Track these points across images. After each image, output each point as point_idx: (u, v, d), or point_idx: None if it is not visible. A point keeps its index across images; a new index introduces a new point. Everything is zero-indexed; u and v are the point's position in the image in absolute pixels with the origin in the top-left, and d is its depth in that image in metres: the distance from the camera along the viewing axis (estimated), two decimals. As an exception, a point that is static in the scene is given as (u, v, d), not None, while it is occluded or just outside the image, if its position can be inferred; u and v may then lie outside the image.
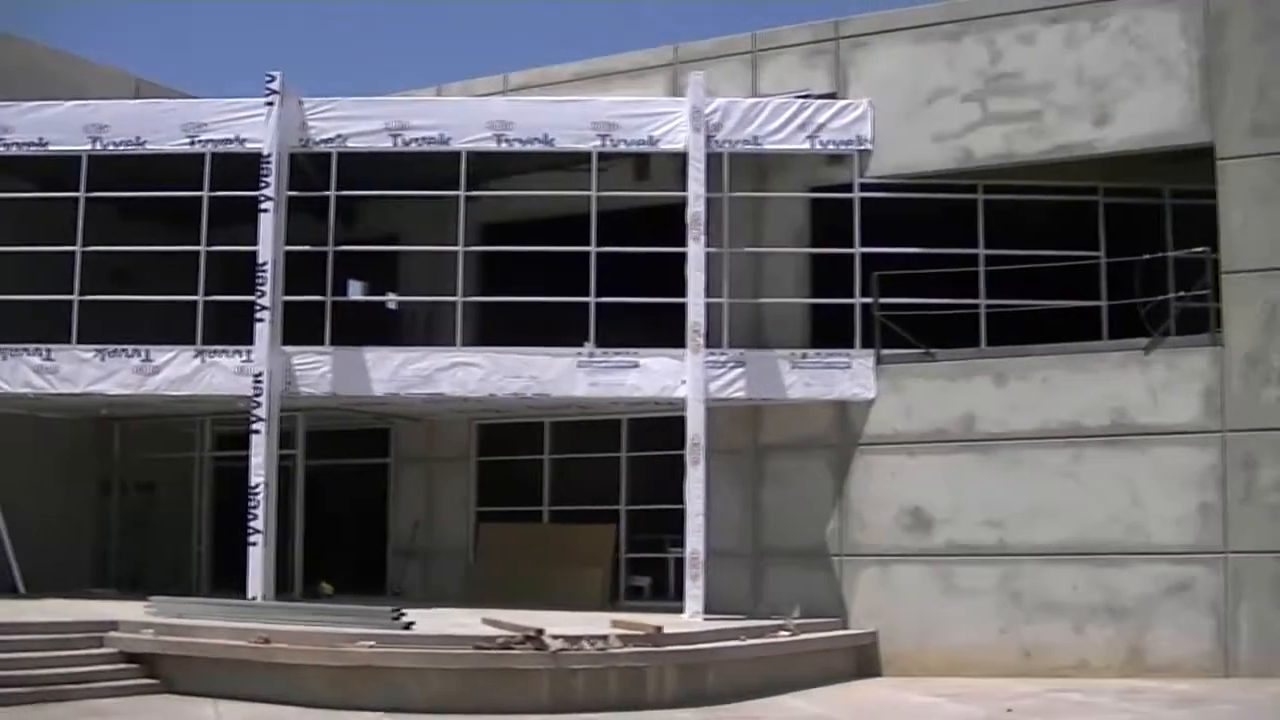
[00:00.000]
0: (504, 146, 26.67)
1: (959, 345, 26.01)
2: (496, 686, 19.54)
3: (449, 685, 19.50)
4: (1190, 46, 25.03)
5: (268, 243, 25.87)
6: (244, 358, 26.07)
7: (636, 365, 25.85)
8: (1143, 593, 24.37)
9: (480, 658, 19.76)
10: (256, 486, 25.50)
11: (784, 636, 23.69)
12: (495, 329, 27.20)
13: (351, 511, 31.52)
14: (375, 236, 29.64)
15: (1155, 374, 24.67)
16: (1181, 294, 24.83)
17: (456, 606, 25.70)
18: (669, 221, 25.73)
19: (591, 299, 25.87)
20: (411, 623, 21.37)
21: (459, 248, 26.68)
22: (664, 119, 26.51)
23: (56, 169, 27.25)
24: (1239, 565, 23.91)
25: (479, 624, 21.78)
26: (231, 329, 26.57)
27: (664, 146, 26.57)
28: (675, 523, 25.55)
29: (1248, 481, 23.96)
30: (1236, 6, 24.89)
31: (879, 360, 26.10)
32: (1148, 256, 25.20)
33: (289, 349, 26.19)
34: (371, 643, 20.07)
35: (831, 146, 26.64)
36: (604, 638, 20.66)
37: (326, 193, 26.76)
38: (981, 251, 26.23)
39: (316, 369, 26.25)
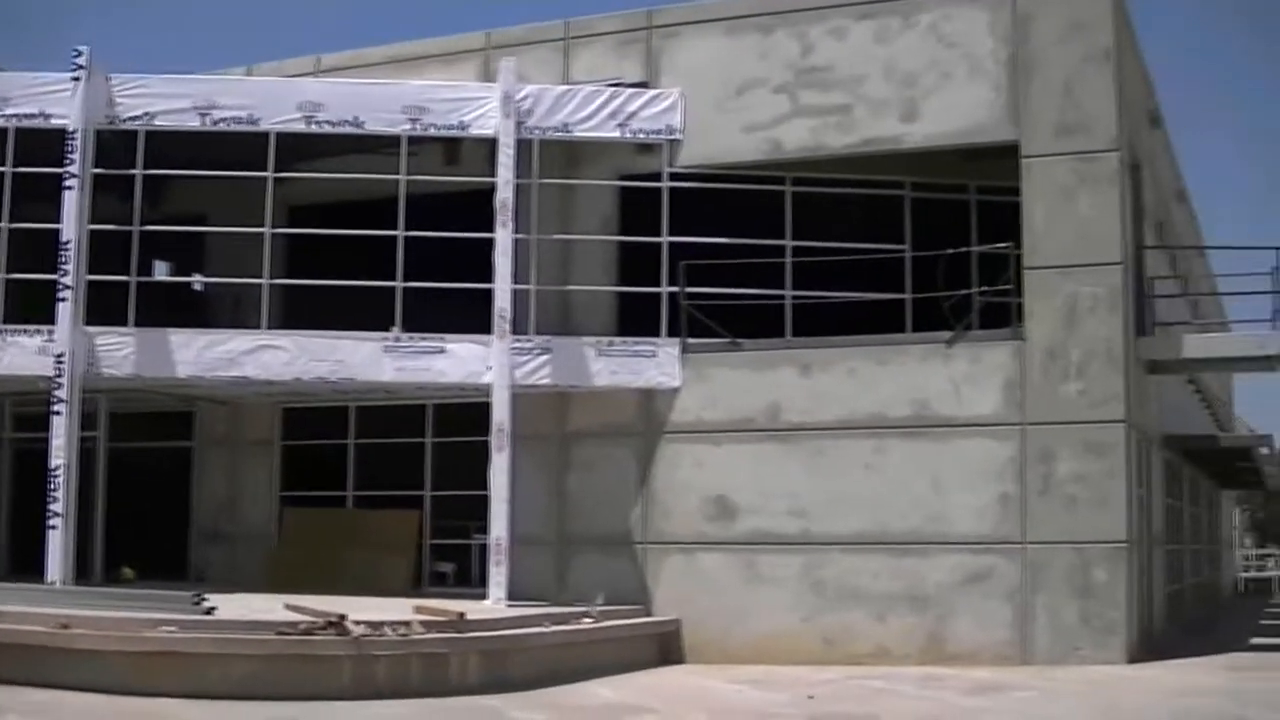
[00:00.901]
0: (314, 128, 26.43)
1: (765, 335, 26.21)
2: (299, 672, 19.37)
3: (251, 670, 19.26)
4: (998, 45, 25.44)
5: (71, 221, 25.39)
6: (45, 337, 25.57)
7: (443, 350, 25.77)
8: (943, 582, 24.76)
9: (283, 643, 19.58)
10: (57, 469, 25.07)
11: (587, 623, 23.72)
12: (302, 312, 26.88)
13: (154, 495, 31.01)
14: (182, 216, 29.19)
15: (958, 367, 25.05)
16: (984, 288, 25.22)
17: (260, 592, 25.41)
18: (478, 207, 25.63)
19: (399, 283, 25.71)
20: (213, 608, 21.13)
21: (266, 229, 26.40)
22: (475, 104, 26.42)
23: None
24: (1036, 555, 24.37)
25: (282, 609, 21.56)
26: (33, 308, 26.08)
27: (474, 132, 26.48)
28: (480, 509, 25.45)
29: (1046, 473, 24.43)
30: (1043, 7, 25.33)
31: (685, 349, 26.23)
32: (952, 251, 25.55)
33: (91, 329, 25.75)
34: (173, 628, 19.80)
35: (642, 135, 26.73)
36: (407, 624, 20.60)
37: (133, 171, 26.29)
38: (789, 243, 26.47)
39: (119, 350, 25.83)
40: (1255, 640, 31.22)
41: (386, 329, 25.86)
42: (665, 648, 25.41)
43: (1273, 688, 21.15)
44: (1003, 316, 25.08)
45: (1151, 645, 26.54)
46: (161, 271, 31.32)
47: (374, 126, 26.50)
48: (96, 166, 25.99)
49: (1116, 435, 24.42)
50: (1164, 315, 29.46)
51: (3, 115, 26.39)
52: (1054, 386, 24.57)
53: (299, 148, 27.12)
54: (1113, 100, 25.03)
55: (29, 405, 28.94)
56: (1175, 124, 36.83)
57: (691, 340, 26.20)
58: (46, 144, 25.83)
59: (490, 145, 26.21)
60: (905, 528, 24.98)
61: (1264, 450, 38.41)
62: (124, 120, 26.37)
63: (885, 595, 25.00)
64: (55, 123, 26.05)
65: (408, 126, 26.41)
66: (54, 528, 24.88)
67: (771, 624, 25.32)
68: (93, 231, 25.83)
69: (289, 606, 21.69)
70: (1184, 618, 35.21)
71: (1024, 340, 24.78)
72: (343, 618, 20.01)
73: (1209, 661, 25.13)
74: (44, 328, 25.62)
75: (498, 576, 24.84)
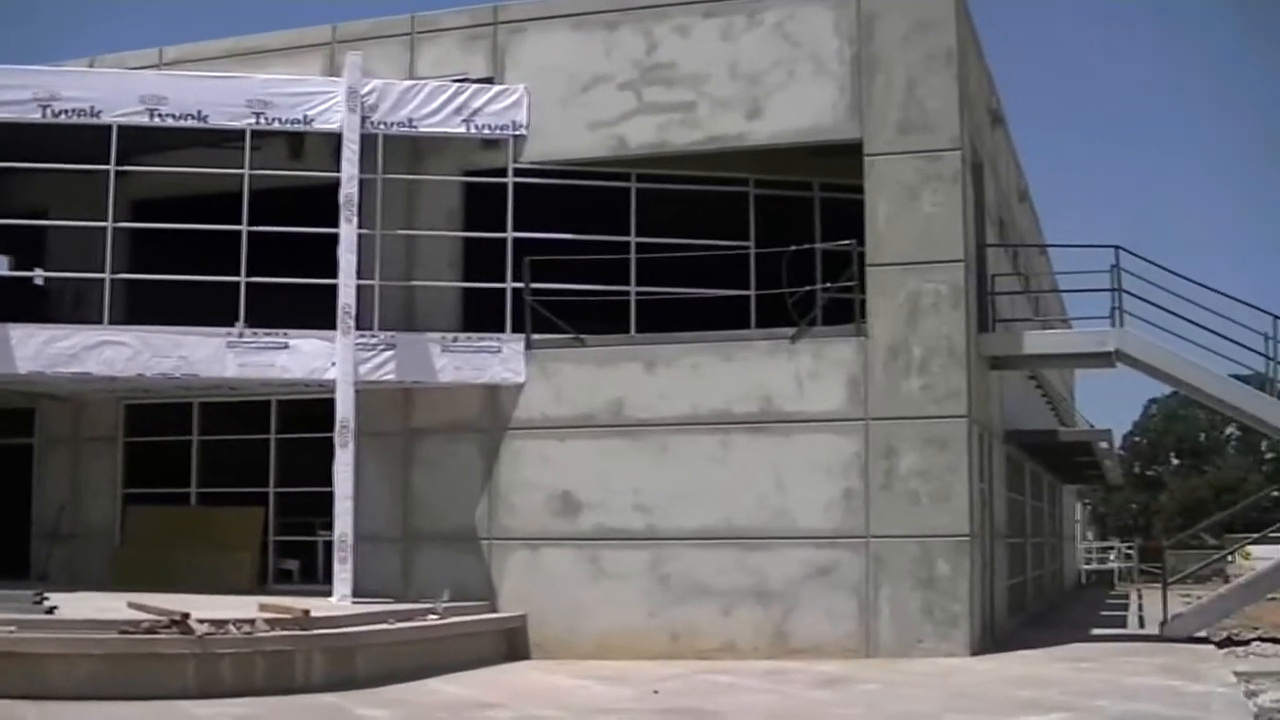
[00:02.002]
0: (156, 121, 26.13)
1: (610, 332, 26.27)
2: (142, 671, 19.08)
3: (94, 670, 18.95)
4: (842, 44, 25.65)
5: (-92, 214, 25.01)
6: (-120, 332, 25.15)
7: (287, 346, 25.59)
8: (789, 576, 24.91)
9: (125, 642, 19.32)
10: (-108, 466, 24.70)
11: (433, 620, 23.66)
12: (145, 307, 26.59)
13: (-7, 493, 30.66)
14: (23, 210, 28.74)
15: (802, 363, 25.21)
16: (828, 285, 25.39)
17: (103, 591, 25.12)
18: (323, 202, 25.48)
19: (242, 278, 25.51)
20: (54, 607, 20.86)
21: (109, 223, 26.07)
22: (319, 98, 26.26)
23: None
24: (880, 549, 24.60)
25: (124, 608, 21.29)
26: None
27: (319, 126, 26.32)
28: (325, 506, 25.31)
29: (888, 468, 24.67)
30: (887, 7, 25.59)
31: (530, 345, 26.22)
32: (795, 248, 25.68)
33: (-71, 325, 25.36)
34: (12, 628, 19.46)
35: (487, 131, 26.69)
36: (251, 621, 20.43)
37: (-29, 164, 25.93)
38: (633, 239, 26.54)
39: (-43, 345, 25.45)
40: (1096, 631, 31.63)
41: (231, 325, 25.63)
42: (511, 644, 25.39)
43: (1111, 677, 21.43)
44: (846, 313, 25.27)
45: (994, 637, 26.89)
46: (1, 266, 30.88)
47: (218, 120, 26.25)
48: (-67, 159, 25.52)
49: (958, 430, 24.69)
50: (1006, 312, 29.81)
51: None
52: (896, 382, 24.81)
53: (142, 141, 26.89)
54: (955, 99, 25.33)
55: None
56: (1017, 123, 37.21)
57: (536, 336, 26.19)
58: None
59: (335, 140, 26.04)
60: (750, 523, 25.11)
61: (1104, 445, 38.89)
62: (-38, 112, 25.95)
63: (731, 590, 25.11)
64: (-108, 114, 25.59)
65: (252, 120, 26.19)
66: (-111, 527, 24.48)
67: (617, 620, 25.37)
68: (-70, 226, 25.41)
69: (132, 605, 21.43)
70: (1027, 610, 35.65)
71: (867, 337, 24.99)
72: (186, 616, 19.80)
73: (1050, 652, 25.49)
74: (-122, 322, 25.14)
75: (343, 574, 24.70)
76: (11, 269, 31.70)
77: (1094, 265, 28.50)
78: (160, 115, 26.10)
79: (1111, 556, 79.84)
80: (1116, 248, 27.21)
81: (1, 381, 26.67)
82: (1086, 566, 73.28)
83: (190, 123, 26.22)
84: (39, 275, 31.77)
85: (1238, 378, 28.03)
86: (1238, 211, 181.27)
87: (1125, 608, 42.61)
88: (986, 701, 18.84)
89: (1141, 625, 34.23)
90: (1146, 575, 66.47)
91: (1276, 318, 26.93)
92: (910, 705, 18.91)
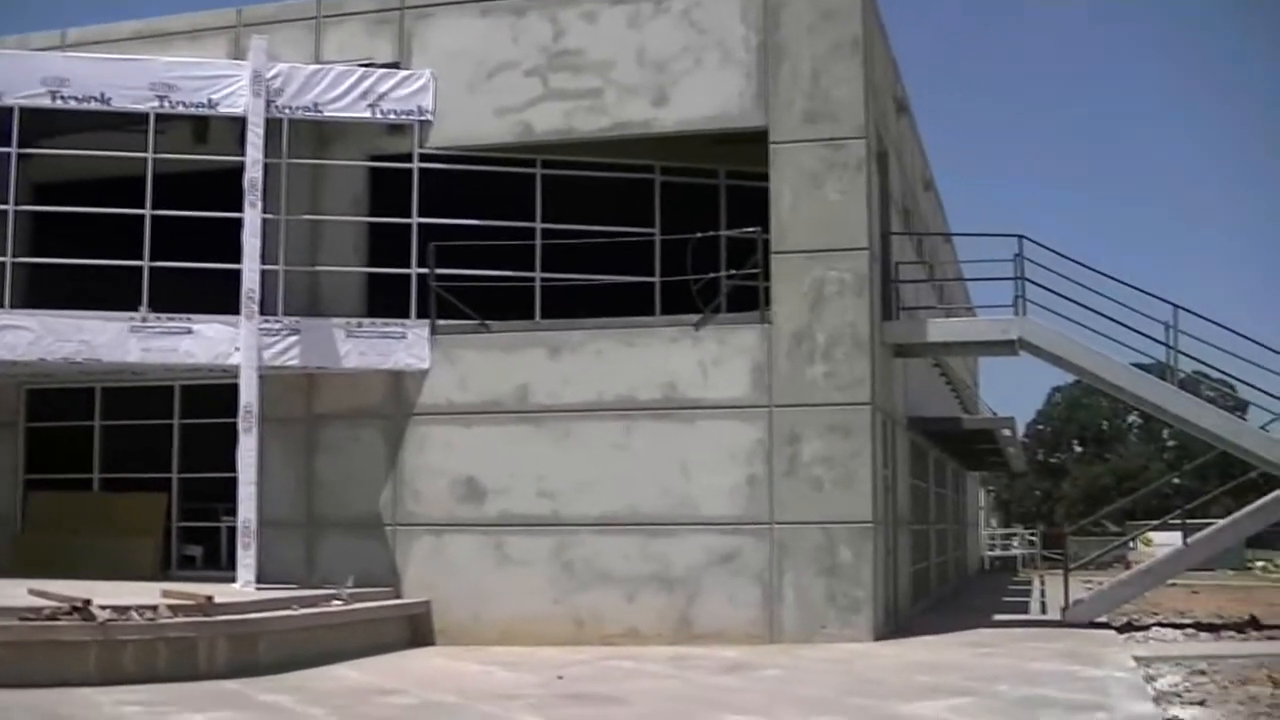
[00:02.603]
0: (59, 103, 25.93)
1: (515, 318, 26.26)
2: (44, 658, 18.93)
3: (-7, 658, 18.95)
4: (749, 32, 25.71)
5: None
6: None
7: (190, 331, 25.43)
8: (692, 563, 25.00)
9: (26, 629, 19.17)
10: None
11: (337, 606, 23.60)
12: (47, 291, 26.35)
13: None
14: (-78, 193, 28.51)
15: (706, 349, 25.28)
16: (732, 272, 25.50)
17: (3, 577, 24.86)
18: (227, 186, 25.32)
19: (146, 263, 25.35)
20: (-47, 594, 20.77)
21: (10, 206, 25.88)
22: (224, 82, 26.10)
23: None
24: (783, 536, 24.71)
25: (26, 595, 21.16)
26: None
27: (223, 110, 26.16)
28: (229, 491, 25.16)
29: (792, 455, 24.77)
30: (793, -5, 25.64)
31: (434, 331, 26.17)
32: (700, 235, 25.77)
33: None
34: (-91, 614, 19.43)
35: (393, 116, 26.62)
36: (154, 608, 20.31)
37: None
38: (539, 225, 26.56)
39: None
40: (998, 616, 31.88)
41: (134, 309, 25.45)
42: (416, 630, 25.36)
43: (1012, 662, 21.61)
44: (751, 300, 25.35)
45: (898, 623, 27.10)
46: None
47: (121, 103, 26.06)
48: None
49: (862, 417, 24.81)
50: (910, 300, 29.99)
51: None
52: (800, 369, 24.91)
53: (45, 123, 26.62)
54: (860, 88, 25.43)
55: None
56: (922, 113, 37.43)
57: (441, 322, 26.16)
58: None
59: (240, 124, 25.89)
60: (654, 509, 25.18)
61: (1006, 432, 39.23)
62: None
63: (636, 576, 25.19)
64: None
65: (155, 104, 26.01)
66: None
67: (522, 606, 25.38)
68: None
69: (33, 591, 21.29)
70: (930, 595, 35.90)
71: (771, 324, 25.09)
72: (88, 602, 19.69)
73: (953, 638, 25.69)
74: None
75: (246, 560, 24.60)
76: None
77: (998, 254, 28.78)
78: (63, 97, 25.90)
79: (1015, 543, 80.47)
80: (1020, 236, 27.48)
81: (-100, 366, 26.44)
82: (990, 553, 73.80)
83: (93, 105, 26.03)
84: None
85: (1139, 366, 28.38)
86: (1143, 200, 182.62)
87: (1028, 594, 43.03)
88: (888, 687, 18.94)
89: (1043, 611, 34.57)
90: (1049, 561, 67.11)
91: (1177, 307, 27.25)
92: (813, 690, 18.99)
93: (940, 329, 29.09)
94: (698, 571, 24.99)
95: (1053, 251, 27.21)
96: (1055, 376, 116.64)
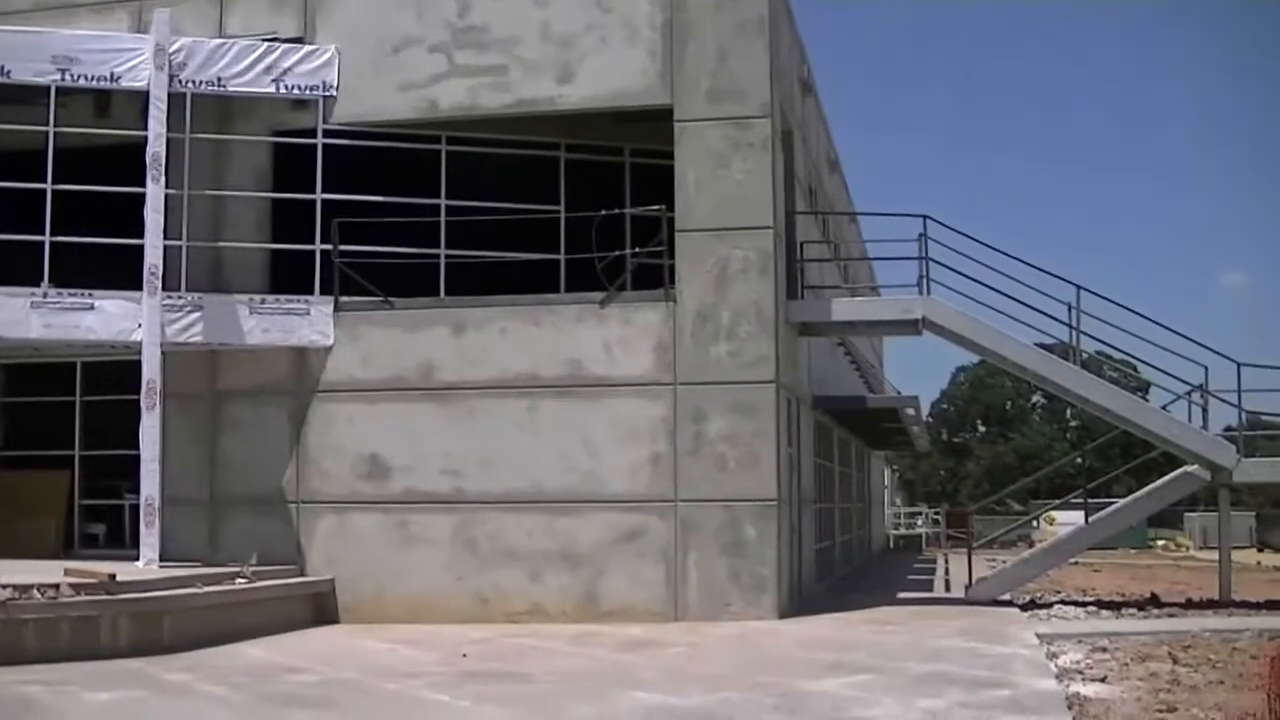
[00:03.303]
0: (-44, 76, 25.67)
1: (419, 295, 26.18)
2: (-58, 638, 18.91)
3: (-108, 637, 18.78)
4: (654, 11, 25.69)
5: None
6: None
7: (92, 307, 25.22)
8: (597, 540, 25.03)
9: (-75, 609, 19.12)
10: None
11: (240, 584, 23.50)
12: (-54, 267, 26.17)
13: None
14: None
15: (610, 328, 25.29)
16: (637, 250, 25.51)
17: (-98, 557, 24.70)
18: (129, 161, 25.10)
19: (46, 238, 25.07)
20: None
21: (-93, 180, 25.59)
22: (127, 55, 25.86)
23: None
24: (688, 514, 24.78)
25: (-76, 574, 21.06)
26: None
27: (126, 84, 25.92)
28: (132, 469, 24.95)
29: (696, 433, 24.81)
30: (699, -26, 25.62)
31: (338, 307, 26.08)
32: (605, 213, 25.76)
33: None
34: None
35: (296, 91, 26.46)
36: (56, 586, 20.20)
37: None
38: (443, 202, 26.48)
39: None
40: (903, 595, 32.05)
41: (35, 285, 25.20)
42: (320, 608, 25.31)
43: (916, 640, 21.74)
44: (655, 279, 25.38)
45: (802, 601, 27.20)
46: None
47: (21, 76, 25.75)
48: None
49: (766, 396, 24.89)
50: (815, 280, 30.11)
51: None
52: (705, 348, 24.95)
53: (-56, 96, 26.31)
54: (765, 68, 25.46)
55: None
56: (827, 94, 37.50)
57: (345, 299, 26.06)
58: None
59: (142, 98, 25.66)
60: (559, 487, 25.18)
61: (911, 412, 39.47)
62: None
63: (540, 554, 25.18)
64: None
65: (56, 77, 25.74)
66: None
67: (426, 583, 25.35)
68: None
69: (-69, 570, 21.16)
70: (835, 574, 36.09)
71: (675, 302, 25.10)
72: (-11, 581, 19.60)
73: (857, 616, 25.77)
74: None
75: (149, 538, 24.42)
76: None
77: (902, 234, 28.91)
78: (-38, 70, 25.60)
79: (919, 522, 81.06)
80: (924, 217, 27.61)
81: None
82: (895, 532, 74.26)
83: (-8, 77, 25.75)
84: None
85: (1043, 346, 28.49)
86: (1044, 182, 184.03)
87: (932, 572, 43.26)
88: (792, 664, 19.02)
89: (948, 589, 34.75)
90: (953, 540, 67.49)
91: (1080, 288, 27.42)
92: (716, 668, 19.04)
93: (844, 308, 29.18)
94: (602, 549, 25.01)
95: (957, 232, 27.35)
96: (960, 356, 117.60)
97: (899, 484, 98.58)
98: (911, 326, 27.69)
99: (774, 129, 25.62)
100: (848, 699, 15.80)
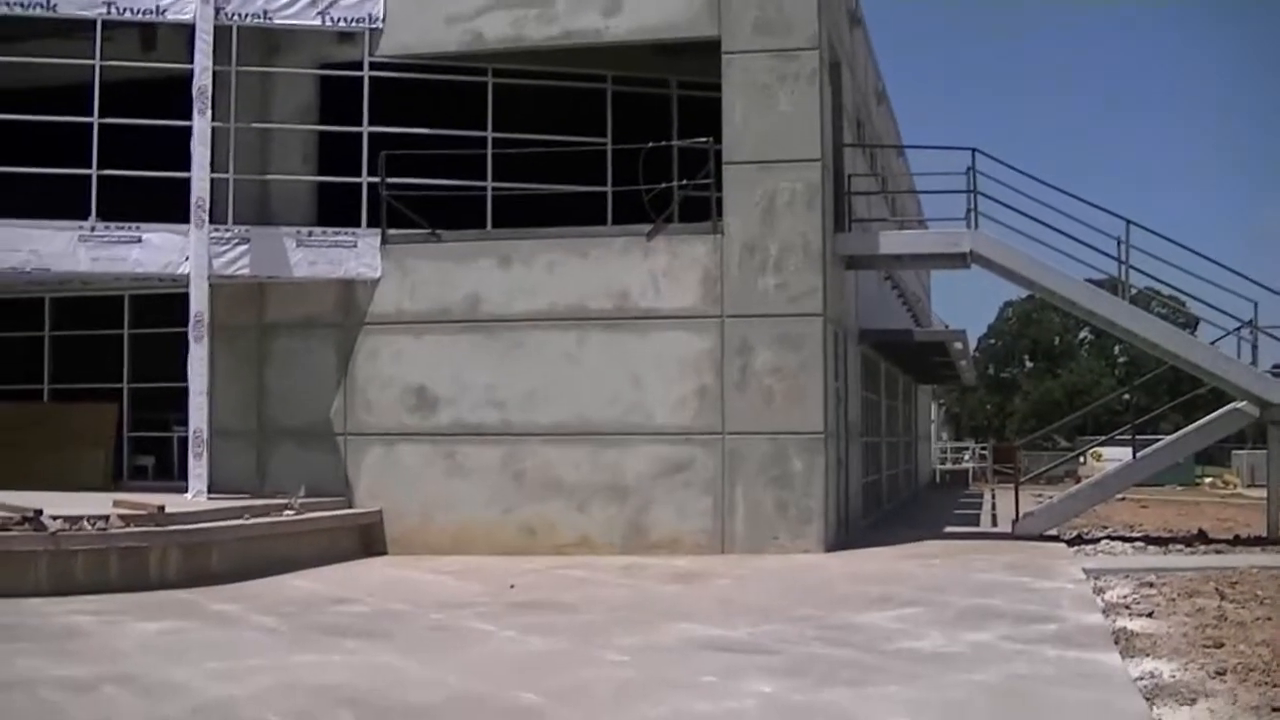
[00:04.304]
0: (4, 9, 25.56)
1: (466, 227, 26.15)
2: (-6, 568, 19.03)
3: (-56, 568, 18.90)
4: (700, -60, 25.51)
5: None
6: None
7: (140, 241, 25.26)
8: (643, 472, 25.07)
9: (-24, 539, 19.23)
10: None
11: (288, 516, 23.63)
12: (-6, 201, 26.24)
13: None
14: None
15: (657, 260, 25.22)
16: (684, 183, 25.40)
17: (-47, 489, 24.84)
18: (175, 94, 25.09)
19: (94, 171, 25.10)
20: (-97, 504, 20.69)
21: (-46, 115, 25.61)
22: (172, -12, 25.85)
23: None
24: (734, 446, 24.77)
25: (-25, 506, 21.18)
26: None
27: (171, 17, 25.84)
28: (180, 402, 25.09)
29: (743, 366, 24.78)
30: (745, -96, 25.42)
31: (385, 240, 26.07)
32: (652, 145, 25.65)
33: None
34: None
35: (342, 24, 26.39)
36: (105, 518, 20.34)
37: None
38: (490, 134, 26.42)
39: None
40: (949, 529, 31.99)
41: (83, 219, 25.25)
42: (367, 539, 25.43)
43: (962, 574, 21.72)
44: (702, 211, 25.28)
45: (848, 535, 27.19)
46: None
47: (67, 10, 25.72)
48: None
49: (813, 329, 24.83)
50: (863, 213, 30.01)
51: None
52: (752, 280, 24.88)
53: (-9, 30, 26.31)
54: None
55: None
56: (875, 26, 37.25)
57: (392, 231, 26.05)
58: None
59: (188, 31, 25.61)
60: (605, 419, 25.20)
61: (958, 346, 39.29)
62: None
63: (586, 486, 25.24)
64: None
65: (103, 10, 25.69)
66: None
67: (473, 515, 25.44)
68: None
69: (-17, 502, 21.28)
70: (881, 508, 36.04)
71: (723, 234, 25.02)
72: (39, 513, 19.69)
73: (903, 550, 25.75)
74: None
75: (197, 469, 24.54)
76: None
77: (951, 167, 28.72)
78: (8, 4, 25.56)
79: (966, 457, 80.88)
80: (973, 150, 27.39)
81: None
82: (941, 466, 74.11)
83: (39, 12, 25.69)
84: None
85: (1091, 281, 28.32)
86: (1096, 115, 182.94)
87: (978, 507, 43.17)
88: (839, 597, 19.03)
89: (994, 524, 34.69)
90: (999, 475, 67.38)
91: (1129, 222, 27.21)
92: (762, 600, 19.05)
93: (892, 241, 29.09)
94: (649, 481, 25.03)
95: (1006, 165, 27.18)
96: (1007, 291, 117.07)
97: (946, 419, 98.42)
98: (959, 260, 27.54)
99: (822, 61, 25.46)
100: (894, 631, 15.81)
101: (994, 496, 47.65)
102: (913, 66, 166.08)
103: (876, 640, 15.16)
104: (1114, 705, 11.76)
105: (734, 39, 25.29)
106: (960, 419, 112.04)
